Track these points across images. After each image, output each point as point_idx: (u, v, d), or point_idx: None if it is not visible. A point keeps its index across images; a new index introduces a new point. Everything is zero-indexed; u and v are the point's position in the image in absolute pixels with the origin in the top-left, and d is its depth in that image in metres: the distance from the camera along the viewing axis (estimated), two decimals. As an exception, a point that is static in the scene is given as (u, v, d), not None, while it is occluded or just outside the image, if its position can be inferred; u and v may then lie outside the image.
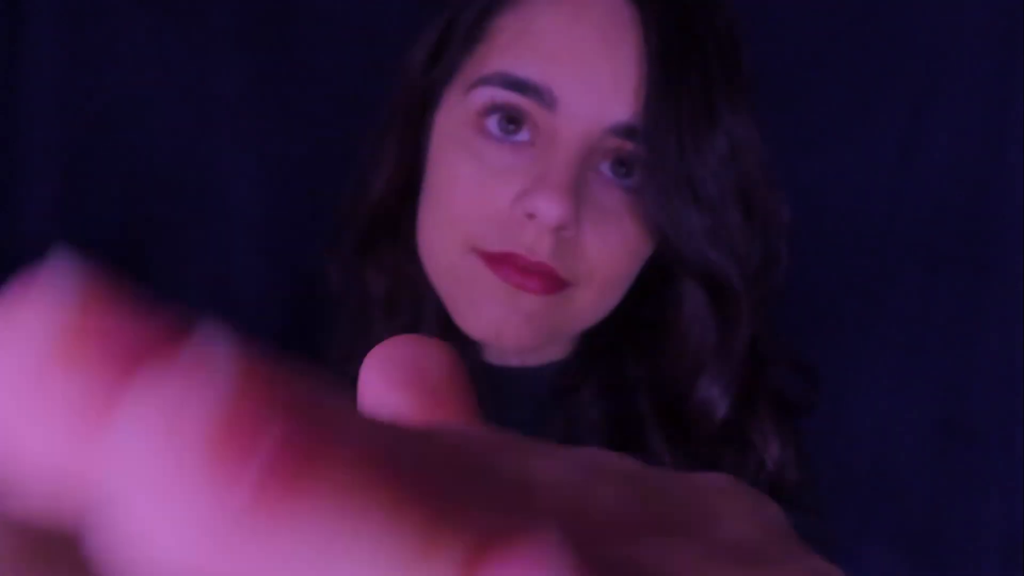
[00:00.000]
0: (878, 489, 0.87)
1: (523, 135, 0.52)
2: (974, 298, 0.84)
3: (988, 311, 0.84)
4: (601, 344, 0.60)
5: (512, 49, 0.51)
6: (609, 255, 0.52)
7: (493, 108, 0.51)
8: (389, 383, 0.14)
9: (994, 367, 0.84)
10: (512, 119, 0.51)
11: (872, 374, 0.86)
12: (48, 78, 0.84)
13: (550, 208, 0.48)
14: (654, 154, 0.50)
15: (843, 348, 0.85)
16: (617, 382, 0.59)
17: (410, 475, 0.08)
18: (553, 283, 0.51)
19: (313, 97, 0.86)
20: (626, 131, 0.50)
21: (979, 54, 0.81)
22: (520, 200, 0.50)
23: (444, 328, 0.57)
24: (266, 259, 0.85)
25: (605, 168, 0.52)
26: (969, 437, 0.85)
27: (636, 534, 0.11)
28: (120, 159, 0.86)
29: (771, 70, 0.62)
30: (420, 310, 0.61)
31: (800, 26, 0.81)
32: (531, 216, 0.50)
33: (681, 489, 0.13)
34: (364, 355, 0.15)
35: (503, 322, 0.53)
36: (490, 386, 0.50)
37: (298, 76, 0.86)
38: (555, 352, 0.61)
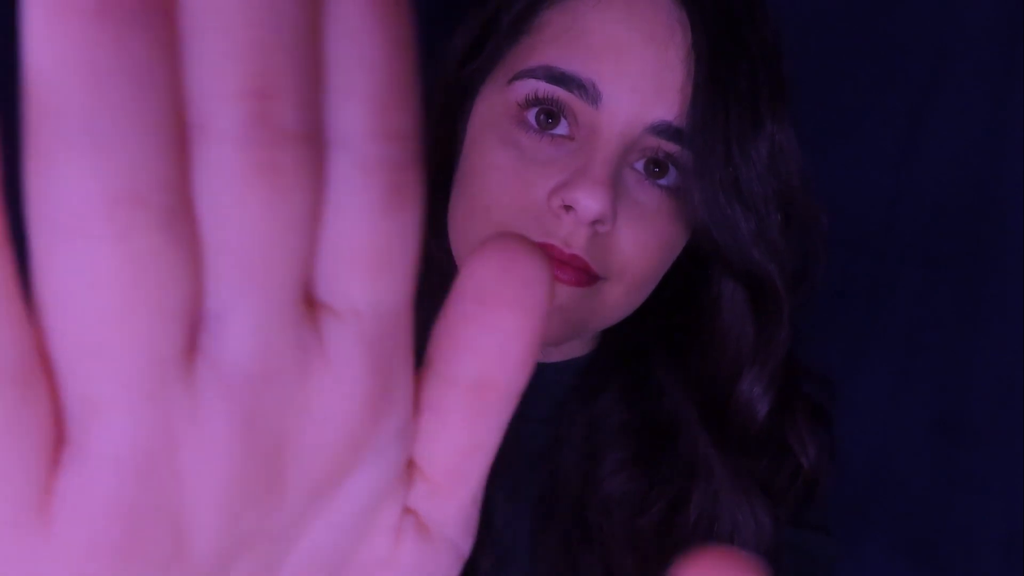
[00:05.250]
0: (877, 489, 0.87)
1: (560, 129, 0.51)
2: (974, 298, 0.84)
3: (988, 311, 0.84)
4: (624, 344, 0.60)
5: (558, 43, 0.51)
6: (643, 252, 0.52)
7: (535, 101, 0.51)
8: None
9: (994, 367, 0.84)
10: (550, 114, 0.51)
11: (872, 374, 0.86)
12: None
13: (590, 202, 0.48)
14: (701, 157, 0.50)
15: (843, 348, 0.85)
16: (641, 385, 0.59)
17: None
18: (586, 276, 0.51)
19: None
20: (667, 131, 0.50)
21: (979, 54, 0.81)
22: (558, 192, 0.50)
23: None
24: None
25: (639, 166, 0.52)
26: (969, 437, 0.85)
27: None
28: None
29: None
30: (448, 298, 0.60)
31: (800, 26, 0.81)
32: (568, 209, 0.50)
33: None
34: None
35: None
36: None
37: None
38: (576, 349, 0.61)
